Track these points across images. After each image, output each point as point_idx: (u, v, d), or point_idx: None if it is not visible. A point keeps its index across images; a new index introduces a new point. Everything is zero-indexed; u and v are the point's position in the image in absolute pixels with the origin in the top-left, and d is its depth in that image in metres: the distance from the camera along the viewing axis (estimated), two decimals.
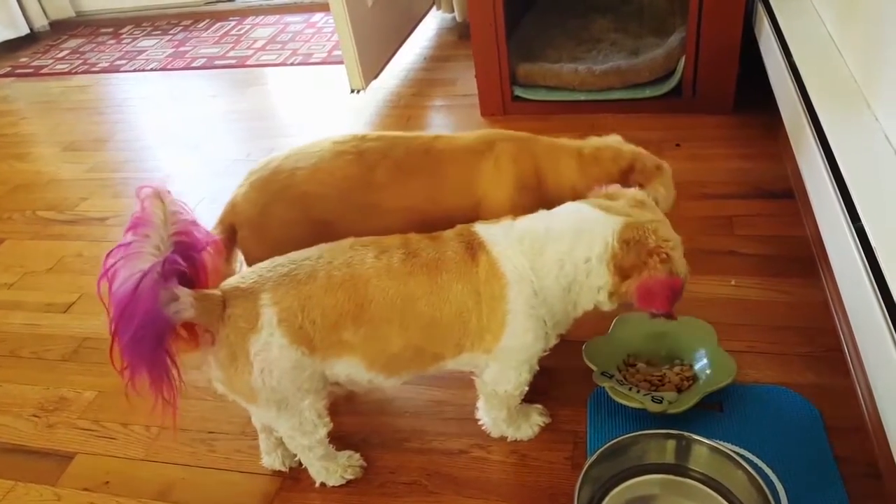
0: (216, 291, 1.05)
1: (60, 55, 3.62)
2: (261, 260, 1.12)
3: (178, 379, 1.00)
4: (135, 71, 3.31)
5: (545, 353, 1.16)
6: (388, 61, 2.73)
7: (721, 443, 1.11)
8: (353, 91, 2.53)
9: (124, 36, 3.79)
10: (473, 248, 1.09)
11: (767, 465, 1.13)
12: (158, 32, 3.77)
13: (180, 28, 3.79)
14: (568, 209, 1.14)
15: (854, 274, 1.11)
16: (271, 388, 1.05)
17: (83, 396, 1.49)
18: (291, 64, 3.12)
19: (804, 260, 1.55)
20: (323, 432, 1.14)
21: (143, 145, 2.61)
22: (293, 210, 1.26)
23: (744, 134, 2.05)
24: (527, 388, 1.19)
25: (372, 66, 2.57)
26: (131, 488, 1.28)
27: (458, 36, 3.10)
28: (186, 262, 0.98)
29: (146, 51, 3.53)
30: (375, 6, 2.53)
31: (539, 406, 1.28)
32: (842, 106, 1.37)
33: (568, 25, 2.63)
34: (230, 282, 1.09)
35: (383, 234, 1.14)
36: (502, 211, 1.25)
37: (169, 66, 3.29)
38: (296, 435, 1.13)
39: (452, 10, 3.15)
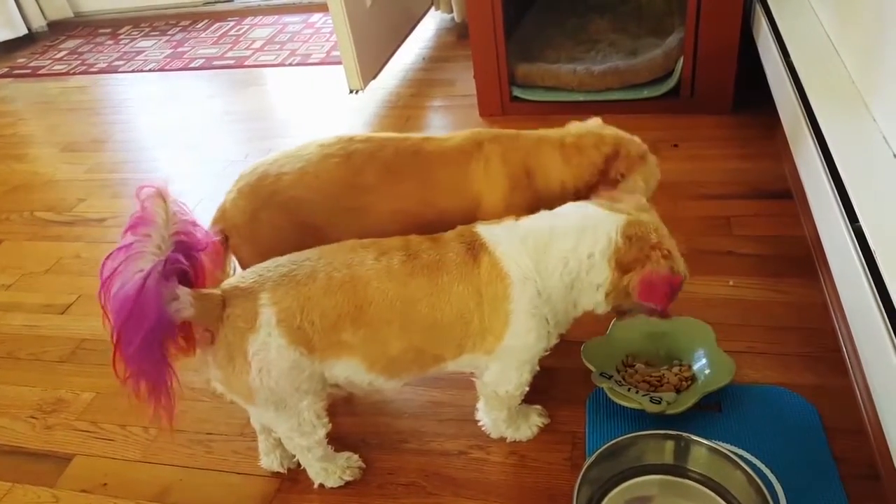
0: (216, 291, 1.05)
1: (58, 56, 3.62)
2: (253, 265, 1.12)
3: (175, 383, 0.99)
4: (133, 71, 3.31)
5: (546, 354, 1.16)
6: (386, 62, 2.73)
7: (720, 443, 1.11)
8: (351, 91, 2.53)
9: (122, 36, 3.79)
10: (475, 248, 1.09)
11: (766, 466, 1.13)
12: (157, 33, 3.77)
13: (178, 29, 3.78)
14: (571, 208, 1.15)
15: (852, 274, 1.11)
16: (269, 388, 1.05)
17: (81, 398, 1.49)
18: (290, 64, 3.12)
19: (802, 260, 1.55)
20: (321, 433, 1.14)
21: (141, 146, 2.61)
22: (281, 215, 1.24)
23: (742, 134, 2.05)
24: (527, 389, 1.19)
25: (370, 67, 2.56)
26: (129, 490, 1.27)
27: (457, 36, 3.10)
28: (187, 261, 0.98)
29: (144, 51, 3.52)
30: (374, 6, 2.53)
31: (538, 407, 1.28)
32: (840, 106, 1.37)
33: (566, 26, 2.63)
34: (230, 281, 1.09)
35: (374, 237, 1.14)
36: (497, 210, 1.25)
37: (167, 67, 3.29)
38: (294, 436, 1.13)
39: (451, 11, 3.15)
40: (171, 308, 0.94)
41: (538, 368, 1.17)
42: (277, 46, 3.34)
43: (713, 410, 1.24)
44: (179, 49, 3.48)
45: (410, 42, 3.01)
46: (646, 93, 2.19)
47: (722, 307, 1.46)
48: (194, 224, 1.01)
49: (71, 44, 3.77)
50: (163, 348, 0.96)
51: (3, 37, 3.76)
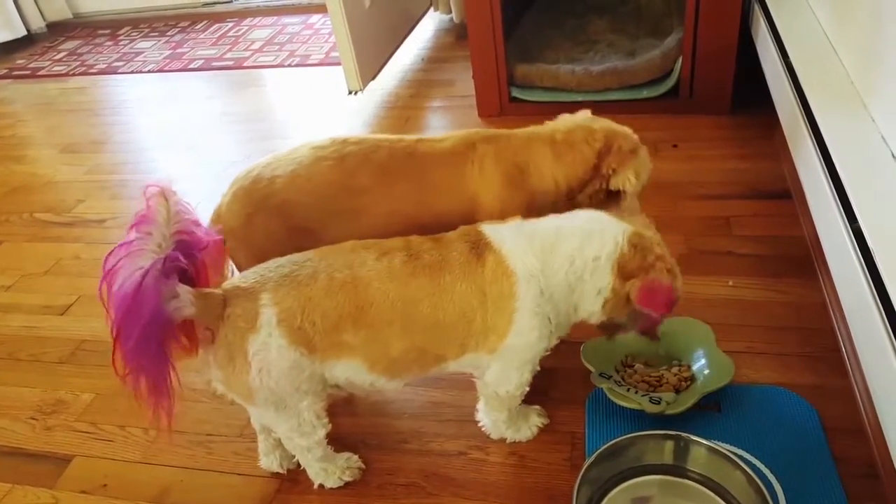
0: (217, 290, 1.05)
1: (58, 57, 3.62)
2: (248, 268, 1.12)
3: (175, 383, 1.00)
4: (132, 72, 3.31)
5: (546, 354, 1.16)
6: (385, 62, 2.73)
7: (719, 443, 1.11)
8: (350, 92, 2.53)
9: (122, 37, 3.79)
10: (480, 247, 1.09)
11: (765, 466, 1.13)
12: (156, 34, 3.77)
13: (178, 30, 3.78)
14: (579, 213, 1.16)
15: (851, 274, 1.11)
16: (269, 388, 1.05)
17: (81, 399, 1.49)
18: (289, 65, 3.12)
19: (801, 260, 1.55)
20: (321, 433, 1.14)
21: (140, 147, 2.61)
22: (275, 219, 1.24)
23: (741, 134, 2.05)
24: (527, 389, 1.19)
25: (369, 68, 2.57)
26: (129, 491, 1.27)
27: (456, 37, 3.10)
28: (188, 260, 0.98)
29: (144, 52, 3.52)
30: (373, 7, 2.54)
31: (537, 407, 1.28)
32: (838, 106, 1.37)
33: (565, 26, 2.63)
34: (231, 281, 1.09)
35: (369, 239, 1.14)
36: (493, 211, 1.26)
37: (166, 68, 3.29)
38: (294, 436, 1.13)
39: (450, 12, 3.15)
40: (170, 306, 0.94)
41: (538, 369, 1.17)
42: (276, 47, 3.34)
43: (713, 410, 1.24)
44: (178, 50, 3.48)
45: (409, 43, 3.02)
46: (645, 93, 2.20)
47: (721, 307, 1.46)
48: (197, 223, 1.01)
49: (70, 45, 3.77)
50: (162, 345, 0.96)
51: (2, 38, 3.76)
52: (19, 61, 3.63)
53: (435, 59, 2.95)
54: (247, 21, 3.76)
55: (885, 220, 1.07)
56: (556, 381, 1.34)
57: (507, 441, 1.25)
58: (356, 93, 2.53)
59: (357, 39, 2.41)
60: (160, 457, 1.33)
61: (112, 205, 2.22)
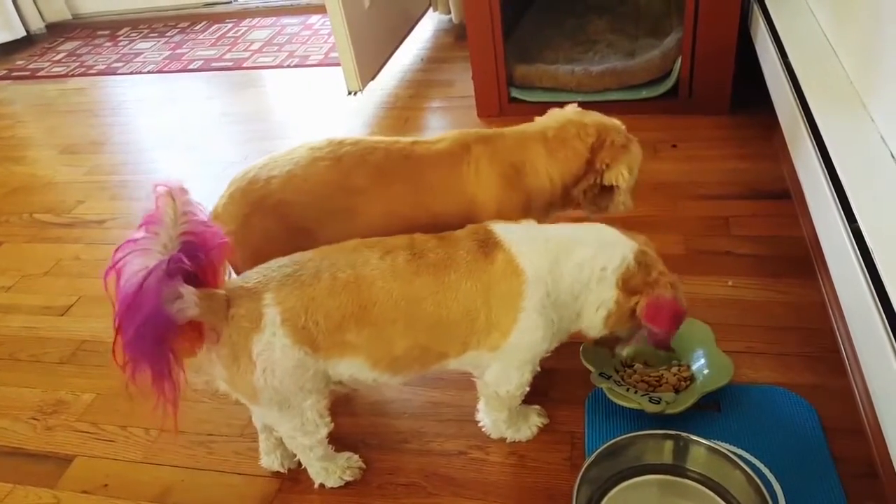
0: (220, 291, 1.05)
1: (57, 58, 3.62)
2: (246, 270, 1.12)
3: (180, 377, 1.00)
4: (132, 73, 3.31)
5: (546, 355, 1.16)
6: (384, 63, 2.74)
7: (719, 443, 1.11)
8: (350, 93, 2.53)
9: (121, 38, 3.79)
10: (489, 245, 1.10)
11: (765, 465, 1.14)
12: (155, 35, 3.77)
13: (177, 30, 3.78)
14: (590, 225, 1.18)
15: (851, 275, 1.11)
16: (273, 387, 1.05)
17: (81, 399, 1.49)
18: (288, 66, 3.13)
19: (801, 260, 1.55)
20: (324, 432, 1.14)
21: (140, 148, 2.62)
22: (272, 219, 1.25)
23: (740, 135, 2.06)
24: (527, 389, 1.19)
25: (369, 68, 2.57)
26: (130, 491, 1.28)
27: (455, 37, 3.10)
28: (193, 261, 0.98)
29: (143, 53, 3.52)
30: (372, 8, 2.54)
31: (537, 407, 1.29)
32: (838, 106, 1.37)
33: (565, 27, 2.64)
34: (235, 281, 1.10)
35: (371, 238, 1.15)
36: (491, 211, 1.27)
37: (166, 69, 3.29)
38: (297, 435, 1.13)
39: (449, 12, 3.15)
40: (173, 307, 0.94)
41: (538, 369, 1.18)
42: (276, 48, 3.34)
43: (712, 410, 1.25)
44: (178, 51, 3.48)
45: (409, 43, 3.02)
46: (644, 93, 2.20)
47: (721, 307, 1.46)
48: (206, 224, 1.01)
49: (69, 46, 3.77)
50: (162, 342, 0.96)
51: (1, 39, 3.75)
52: (19, 62, 3.63)
53: (434, 60, 2.95)
54: (246, 22, 3.76)
55: (884, 220, 1.07)
56: (555, 381, 1.34)
57: (507, 441, 1.26)
58: (355, 93, 2.54)
59: (356, 40, 2.42)
60: (161, 457, 1.33)
61: (112, 205, 2.22)
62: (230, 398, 1.13)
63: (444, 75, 2.77)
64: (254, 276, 1.09)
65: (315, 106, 2.72)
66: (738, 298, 1.49)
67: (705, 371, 1.29)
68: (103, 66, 3.42)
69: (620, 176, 1.29)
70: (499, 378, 1.15)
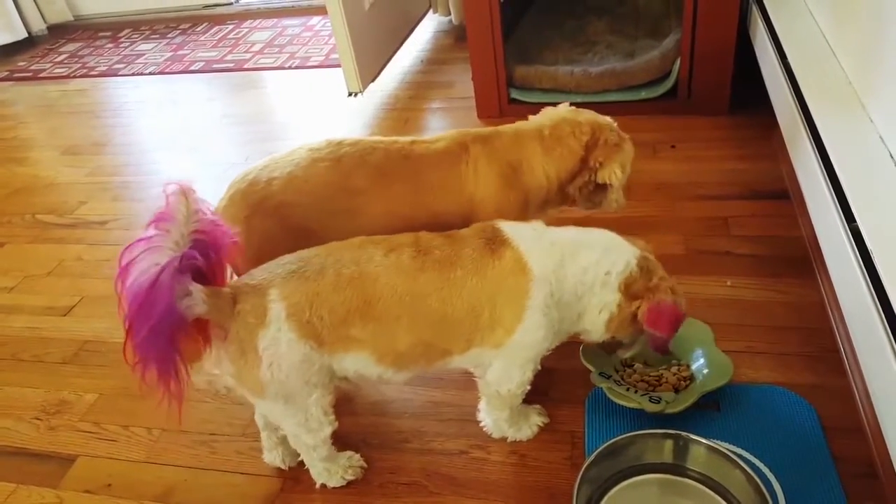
0: (226, 289, 1.06)
1: (59, 59, 3.63)
2: (247, 271, 1.13)
3: (185, 375, 1.01)
4: (133, 75, 3.31)
5: (547, 353, 1.17)
6: (385, 64, 2.74)
7: (718, 442, 1.12)
8: (350, 94, 2.54)
9: (122, 40, 3.80)
10: (496, 242, 1.12)
11: (765, 465, 1.14)
12: (156, 36, 3.78)
13: (178, 32, 3.79)
14: (595, 230, 1.19)
15: (850, 275, 1.12)
16: (279, 382, 1.06)
17: (84, 399, 1.49)
18: (289, 67, 3.13)
19: (800, 260, 1.56)
20: (328, 431, 1.15)
21: (141, 149, 2.62)
22: (272, 221, 1.25)
23: (739, 135, 2.06)
24: (528, 388, 1.20)
25: (369, 70, 2.57)
26: (133, 490, 1.28)
27: (455, 39, 3.11)
28: (204, 259, 0.99)
29: (144, 54, 3.53)
30: (372, 9, 2.54)
31: (538, 406, 1.29)
32: (836, 107, 1.37)
33: (564, 28, 2.64)
34: (240, 279, 1.11)
35: (377, 235, 1.16)
36: (489, 210, 1.28)
37: (167, 70, 3.30)
38: (301, 433, 1.14)
39: (449, 13, 3.16)
40: (182, 304, 0.95)
41: (539, 368, 1.18)
42: (277, 49, 3.35)
43: (712, 410, 1.25)
44: (179, 52, 3.49)
45: (409, 45, 3.02)
46: (643, 94, 2.20)
47: (720, 307, 1.47)
48: (215, 224, 1.02)
49: (71, 47, 3.78)
50: (172, 340, 0.97)
51: (2, 40, 3.76)
52: (20, 63, 3.64)
53: (434, 61, 2.96)
54: (247, 23, 3.77)
55: (883, 220, 1.07)
56: (556, 381, 1.35)
57: (508, 440, 1.26)
58: (356, 94, 2.54)
59: (357, 41, 2.42)
60: (164, 456, 1.34)
61: (114, 206, 2.22)
62: (232, 398, 1.14)
63: (444, 76, 2.78)
64: (259, 273, 1.10)
65: (316, 107, 2.72)
66: (738, 298, 1.49)
67: (705, 371, 1.30)
68: (105, 68, 3.43)
69: (613, 174, 1.32)
70: (500, 376, 1.16)
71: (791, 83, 1.60)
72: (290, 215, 1.26)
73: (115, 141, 2.69)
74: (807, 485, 1.11)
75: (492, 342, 1.11)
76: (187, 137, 2.63)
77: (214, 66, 3.26)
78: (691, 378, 1.30)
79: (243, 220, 1.25)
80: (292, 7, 3.87)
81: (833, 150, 1.28)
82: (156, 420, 1.39)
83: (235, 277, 1.25)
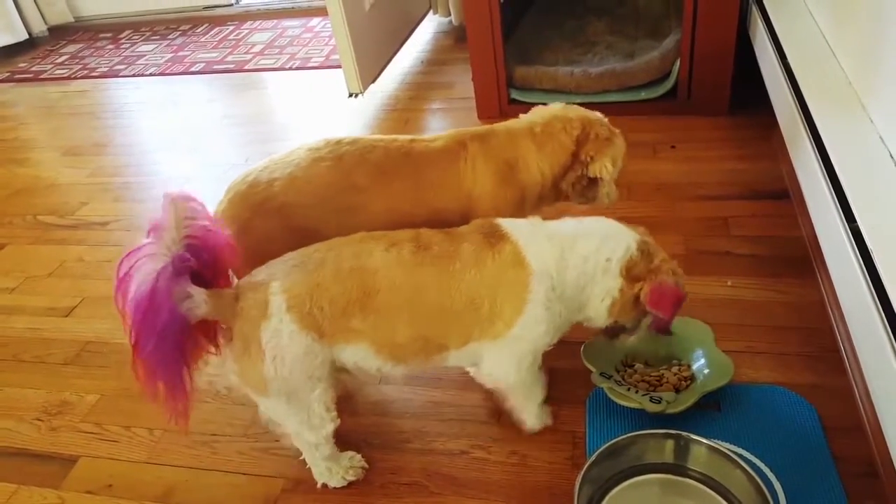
0: (229, 290, 1.08)
1: (59, 60, 3.63)
2: (248, 273, 1.14)
3: (190, 386, 1.02)
4: (134, 76, 3.31)
5: (548, 348, 1.17)
6: (385, 65, 2.74)
7: (719, 442, 1.12)
8: (350, 95, 2.54)
9: (123, 41, 3.80)
10: (495, 237, 1.12)
11: (765, 465, 1.14)
12: (157, 37, 3.78)
13: (179, 33, 3.79)
14: (592, 218, 1.20)
15: (850, 275, 1.12)
16: (283, 377, 1.07)
17: (85, 400, 1.50)
18: (289, 68, 3.13)
19: (800, 260, 1.56)
20: (330, 428, 1.15)
21: (142, 150, 2.62)
22: (274, 222, 1.26)
23: (739, 135, 2.06)
24: (539, 371, 1.20)
25: (369, 70, 2.58)
26: (134, 491, 1.28)
27: (455, 39, 3.11)
28: (197, 260, 1.00)
29: (145, 55, 3.53)
30: (372, 11, 2.55)
31: (546, 407, 1.29)
32: (836, 107, 1.37)
33: (564, 28, 2.65)
34: (243, 279, 1.12)
35: (377, 231, 1.16)
36: (487, 207, 1.29)
37: (167, 71, 3.30)
38: (303, 430, 1.14)
39: (449, 14, 3.16)
40: (184, 306, 0.96)
41: (540, 363, 1.18)
42: (277, 50, 3.35)
43: (712, 410, 1.25)
44: (180, 53, 3.49)
45: (409, 45, 3.02)
46: (643, 95, 2.21)
47: (720, 307, 1.47)
48: (207, 228, 1.03)
49: (72, 48, 3.78)
50: (179, 347, 0.98)
51: (3, 41, 3.77)
52: (21, 65, 3.64)
53: (434, 62, 2.96)
54: (247, 24, 3.77)
55: (883, 220, 1.07)
56: (556, 381, 1.34)
57: (524, 428, 1.26)
58: (356, 95, 2.54)
59: (357, 42, 2.42)
60: (165, 457, 1.34)
61: (115, 207, 2.23)
62: (233, 398, 1.14)
63: (445, 77, 2.78)
64: (261, 271, 1.11)
65: (316, 108, 2.73)
66: (738, 298, 1.49)
67: (705, 371, 1.30)
68: (105, 69, 3.43)
69: (604, 168, 1.33)
70: (496, 370, 1.16)
71: (791, 83, 1.60)
72: (292, 216, 1.26)
73: (115, 142, 2.69)
74: (807, 484, 1.11)
75: (490, 335, 1.12)
76: (188, 138, 2.63)
77: (215, 67, 3.26)
78: (692, 378, 1.30)
79: (244, 222, 1.25)
80: (292, 8, 3.87)
81: (833, 151, 1.28)
82: (157, 421, 1.39)
83: (236, 279, 1.26)
